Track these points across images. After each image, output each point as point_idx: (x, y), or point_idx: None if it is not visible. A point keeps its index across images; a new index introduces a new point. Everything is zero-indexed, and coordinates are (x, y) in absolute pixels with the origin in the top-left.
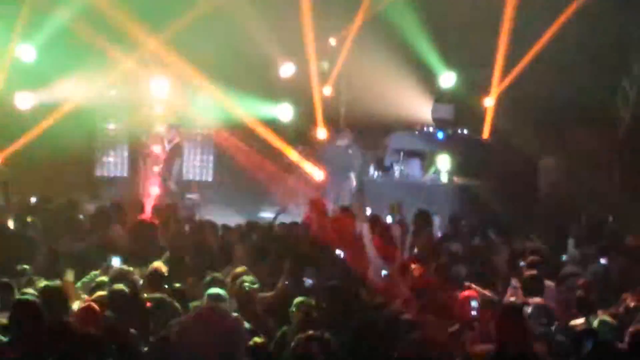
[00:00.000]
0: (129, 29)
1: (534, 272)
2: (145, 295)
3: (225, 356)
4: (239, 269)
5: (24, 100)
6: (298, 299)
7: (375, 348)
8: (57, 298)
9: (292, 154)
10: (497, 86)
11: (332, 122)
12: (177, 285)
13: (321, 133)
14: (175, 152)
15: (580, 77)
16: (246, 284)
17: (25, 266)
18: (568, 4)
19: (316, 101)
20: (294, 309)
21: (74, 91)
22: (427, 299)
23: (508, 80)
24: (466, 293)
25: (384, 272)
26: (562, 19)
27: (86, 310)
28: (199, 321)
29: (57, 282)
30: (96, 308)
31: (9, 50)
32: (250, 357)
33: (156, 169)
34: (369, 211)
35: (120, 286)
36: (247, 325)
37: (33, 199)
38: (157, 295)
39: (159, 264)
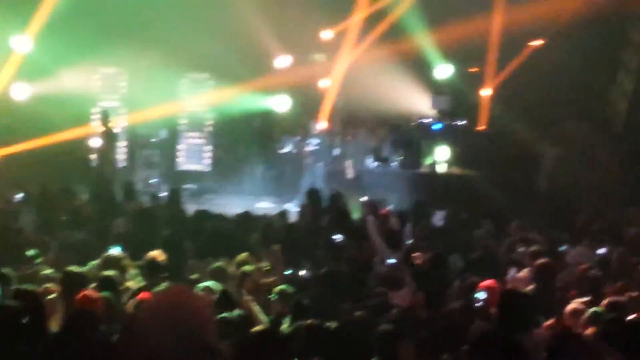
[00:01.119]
0: (124, 19)
1: (545, 260)
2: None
3: (192, 334)
4: (242, 256)
5: (20, 92)
6: (279, 287)
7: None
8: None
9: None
10: (493, 78)
11: (329, 114)
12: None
13: (321, 125)
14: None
15: (576, 68)
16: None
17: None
18: None
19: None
20: (275, 296)
21: (72, 81)
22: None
23: (505, 72)
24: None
25: (389, 261)
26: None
27: (84, 297)
28: (166, 299)
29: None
30: (92, 295)
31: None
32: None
33: None
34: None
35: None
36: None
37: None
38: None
39: (156, 253)
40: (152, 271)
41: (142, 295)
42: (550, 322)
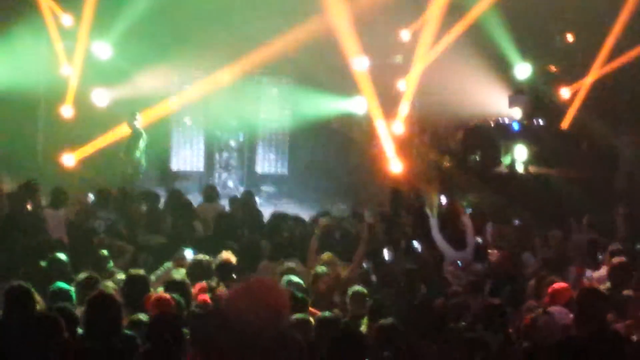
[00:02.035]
0: (201, 23)
1: (622, 259)
2: None
3: (269, 323)
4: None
5: (101, 97)
6: (354, 288)
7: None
8: (139, 288)
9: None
10: (577, 79)
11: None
12: None
13: (398, 127)
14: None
15: None
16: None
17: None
18: None
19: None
20: (349, 297)
21: (151, 86)
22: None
23: (593, 73)
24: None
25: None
26: None
27: (158, 300)
28: (247, 290)
29: (140, 272)
30: (168, 298)
31: (83, 48)
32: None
33: None
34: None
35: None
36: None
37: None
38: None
39: (227, 255)
40: (224, 273)
41: (201, 297)
42: (629, 322)
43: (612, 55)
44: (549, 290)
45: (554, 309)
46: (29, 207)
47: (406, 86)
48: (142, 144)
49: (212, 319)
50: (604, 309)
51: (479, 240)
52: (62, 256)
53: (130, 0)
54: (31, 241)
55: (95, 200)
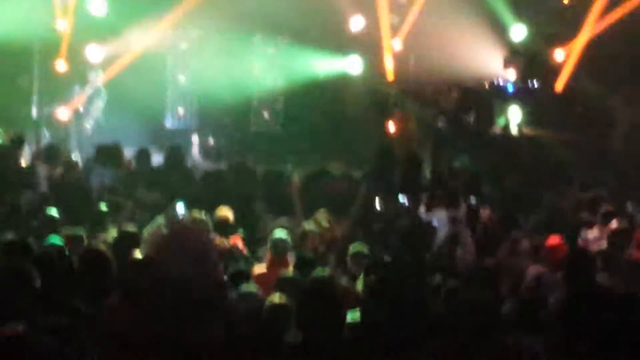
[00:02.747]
0: None
1: (622, 225)
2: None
3: (198, 267)
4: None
5: (94, 53)
6: (356, 247)
7: None
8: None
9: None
10: (572, 40)
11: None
12: None
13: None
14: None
15: None
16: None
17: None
18: None
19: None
20: (350, 256)
21: (145, 41)
22: None
23: (586, 36)
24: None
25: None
26: None
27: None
28: (174, 237)
29: (130, 228)
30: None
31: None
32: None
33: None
34: None
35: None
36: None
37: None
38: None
39: (225, 211)
40: (222, 229)
41: None
42: None
43: (606, 11)
44: (546, 245)
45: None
46: (22, 162)
47: (401, 44)
48: (100, 102)
49: (143, 268)
50: (592, 271)
51: (473, 201)
52: (52, 212)
53: None
54: (21, 197)
55: (93, 156)
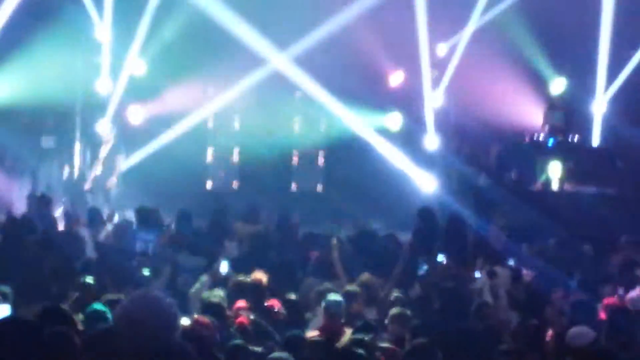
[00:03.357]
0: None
1: None
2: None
3: (161, 333)
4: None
5: (136, 114)
6: (396, 310)
7: None
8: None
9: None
10: (603, 91)
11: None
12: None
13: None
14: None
15: None
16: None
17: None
18: None
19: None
20: (390, 317)
21: (186, 103)
22: None
23: (616, 84)
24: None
25: None
26: None
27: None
28: (135, 303)
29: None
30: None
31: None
32: None
33: None
34: None
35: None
36: None
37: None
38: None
39: (260, 275)
40: (257, 294)
41: (241, 319)
42: None
43: None
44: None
45: None
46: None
47: (441, 99)
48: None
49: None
50: (633, 329)
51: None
52: (89, 280)
53: (164, 18)
54: (62, 263)
55: (136, 221)
